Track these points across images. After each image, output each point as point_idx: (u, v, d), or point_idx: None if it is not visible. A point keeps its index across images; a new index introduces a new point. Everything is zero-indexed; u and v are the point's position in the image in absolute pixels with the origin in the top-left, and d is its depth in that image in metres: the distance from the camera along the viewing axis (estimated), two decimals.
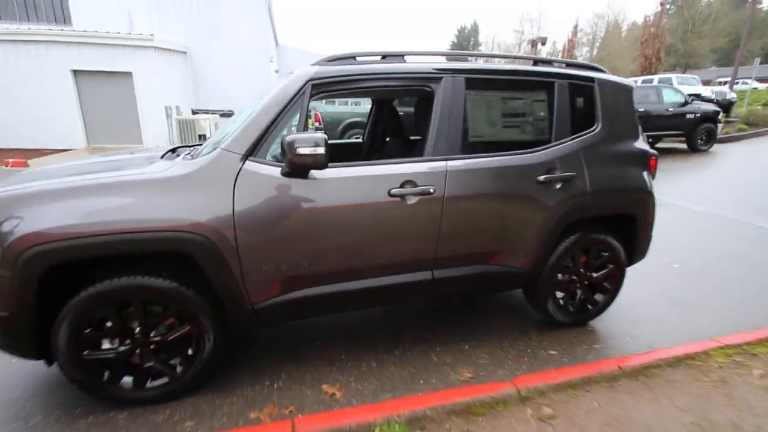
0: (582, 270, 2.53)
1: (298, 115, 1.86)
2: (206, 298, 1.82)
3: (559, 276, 2.47)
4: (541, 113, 2.29)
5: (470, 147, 2.12)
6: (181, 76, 13.56)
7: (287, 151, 1.68)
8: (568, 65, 2.43)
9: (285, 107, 1.84)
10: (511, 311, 2.84)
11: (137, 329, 1.79)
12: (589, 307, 2.62)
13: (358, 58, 2.00)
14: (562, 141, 2.29)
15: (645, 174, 2.52)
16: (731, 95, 15.86)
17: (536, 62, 2.35)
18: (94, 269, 1.72)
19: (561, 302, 2.54)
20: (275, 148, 1.88)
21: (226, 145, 1.79)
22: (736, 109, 16.04)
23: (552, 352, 2.34)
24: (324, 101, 11.42)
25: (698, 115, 10.16)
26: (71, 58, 11.63)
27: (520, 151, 2.19)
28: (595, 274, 2.56)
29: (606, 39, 47.22)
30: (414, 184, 1.97)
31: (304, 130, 1.84)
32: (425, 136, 2.09)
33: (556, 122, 2.29)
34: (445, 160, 2.05)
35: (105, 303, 1.70)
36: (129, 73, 11.89)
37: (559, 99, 2.29)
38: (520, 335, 2.51)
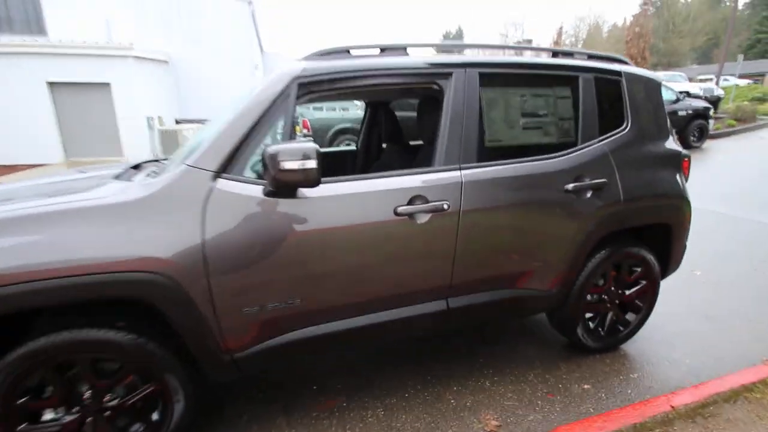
0: (613, 288, 2.22)
1: (283, 121, 1.53)
2: (174, 350, 1.46)
3: (588, 296, 2.16)
4: (565, 112, 1.99)
5: (487, 153, 1.80)
6: (163, 86, 13.13)
7: (269, 165, 1.34)
8: (590, 57, 2.14)
9: (266, 112, 1.50)
10: (528, 334, 2.53)
11: (87, 393, 1.42)
12: (621, 328, 2.32)
13: (352, 52, 1.68)
14: (589, 143, 1.99)
15: (679, 177, 2.23)
16: (719, 92, 15.95)
17: (556, 54, 2.06)
18: (27, 322, 1.36)
19: (591, 326, 2.23)
20: (256, 162, 1.54)
21: (193, 160, 1.45)
22: (723, 105, 16.12)
23: (586, 386, 2.02)
24: (312, 106, 11.14)
25: (690, 112, 10.09)
26: (46, 70, 11.18)
27: (544, 156, 1.89)
28: (626, 292, 2.26)
29: (588, 40, 47.93)
30: (424, 200, 1.65)
31: (290, 139, 1.51)
32: (434, 142, 1.77)
33: (582, 122, 1.99)
34: (459, 169, 1.73)
35: (42, 365, 1.33)
36: (107, 84, 11.45)
37: (584, 95, 1.99)
38: (546, 366, 2.19)
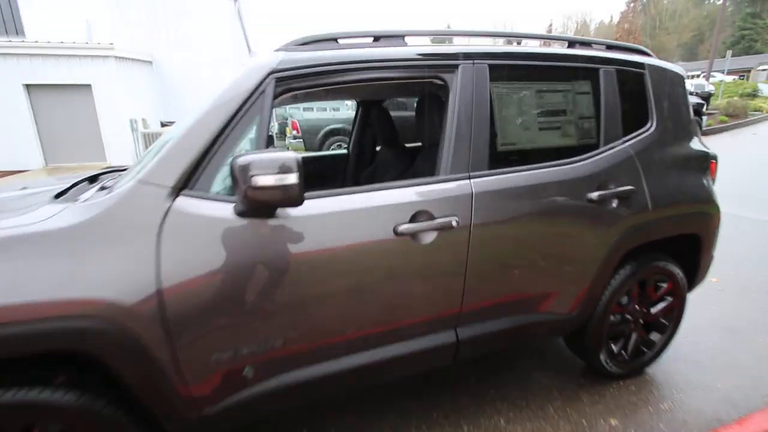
0: (637, 306, 1.99)
1: (257, 124, 1.25)
2: (129, 409, 1.19)
3: (611, 317, 1.92)
4: (586, 110, 1.74)
5: (500, 158, 1.55)
6: (147, 87, 12.72)
7: (240, 180, 1.07)
8: (610, 47, 1.90)
9: (236, 113, 1.23)
10: (538, 355, 2.28)
11: None
12: (645, 350, 2.09)
13: (341, 41, 1.41)
14: (612, 145, 1.75)
15: (706, 182, 2.00)
16: (710, 88, 15.99)
17: (572, 44, 1.81)
18: None
19: (614, 349, 1.99)
20: (227, 175, 1.27)
21: (145, 174, 1.17)
22: (713, 102, 16.15)
23: (613, 422, 1.78)
24: (302, 107, 10.78)
25: None
26: (23, 72, 10.73)
27: (563, 162, 1.64)
28: (652, 310, 2.03)
29: None
30: (429, 216, 1.39)
31: (268, 147, 1.24)
32: (437, 146, 1.51)
33: (604, 121, 1.75)
34: (469, 178, 1.47)
35: None
36: (88, 86, 11.01)
37: (606, 90, 1.75)
38: (565, 397, 1.95)
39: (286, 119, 10.62)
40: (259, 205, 1.10)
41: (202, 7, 13.39)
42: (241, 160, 1.06)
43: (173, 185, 1.16)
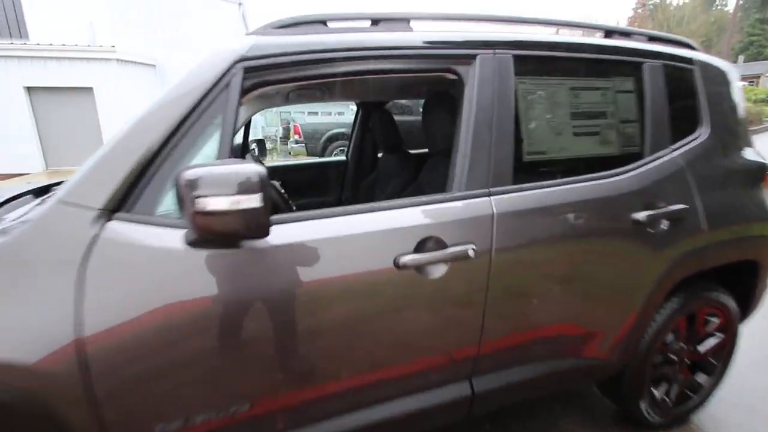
0: (684, 345, 1.68)
1: (220, 127, 0.97)
2: None
3: (655, 358, 1.62)
4: (628, 112, 1.45)
5: (527, 170, 1.26)
6: (150, 90, 12.56)
7: (186, 202, 0.79)
8: (652, 39, 1.61)
9: (191, 112, 0.95)
10: (563, 396, 1.97)
11: None
12: (691, 394, 1.77)
13: (331, 24, 1.13)
14: (660, 154, 1.46)
15: (765, 198, 1.70)
16: None
17: (609, 34, 1.52)
18: None
19: (656, 395, 1.68)
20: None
21: (66, 192, 0.89)
22: None
23: None
24: (307, 110, 10.52)
25: None
26: (24, 74, 10.66)
27: (603, 174, 1.35)
28: (700, 348, 1.72)
29: None
30: (439, 243, 1.10)
31: (234, 156, 0.96)
32: (451, 154, 1.23)
33: (650, 125, 1.45)
34: (489, 195, 1.18)
35: None
36: (90, 89, 10.90)
37: (652, 89, 1.46)
38: None
39: (290, 123, 10.40)
40: (211, 236, 0.82)
41: (205, 10, 13.28)
42: (187, 175, 0.78)
43: (103, 206, 0.88)
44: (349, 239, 1.02)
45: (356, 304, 1.04)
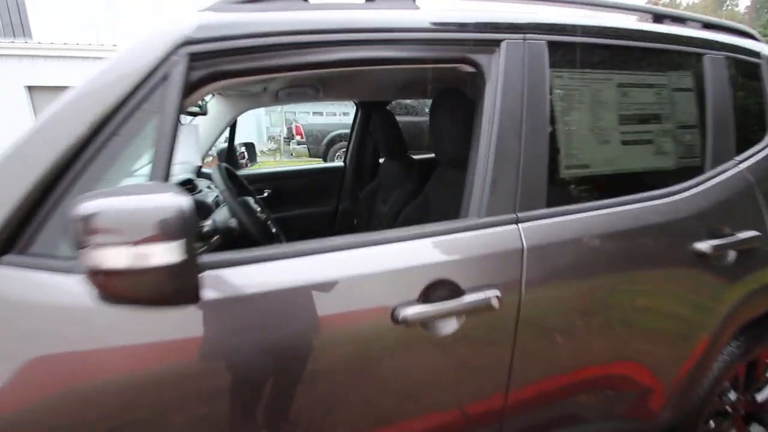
0: (741, 395, 1.40)
1: (155, 135, 0.71)
2: None
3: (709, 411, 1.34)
4: (686, 115, 1.17)
5: (564, 190, 0.99)
6: None
7: (80, 247, 0.53)
8: (707, 26, 1.33)
9: (112, 115, 0.69)
10: None
11: None
12: None
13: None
14: (724, 168, 1.18)
15: None
16: None
17: (659, 18, 1.24)
18: None
19: None
20: None
21: None
22: None
23: None
24: (312, 110, 10.25)
25: None
26: (25, 73, 10.58)
27: (657, 194, 1.07)
28: (758, 397, 1.44)
29: None
30: (453, 288, 0.83)
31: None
32: (468, 168, 0.96)
33: (712, 132, 1.17)
34: (516, 221, 0.91)
35: None
36: None
37: (714, 87, 1.18)
38: None
39: (291, 123, 10.18)
40: (114, 299, 0.56)
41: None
42: (80, 210, 0.52)
43: None
44: (332, 285, 0.76)
45: (334, 375, 0.78)
